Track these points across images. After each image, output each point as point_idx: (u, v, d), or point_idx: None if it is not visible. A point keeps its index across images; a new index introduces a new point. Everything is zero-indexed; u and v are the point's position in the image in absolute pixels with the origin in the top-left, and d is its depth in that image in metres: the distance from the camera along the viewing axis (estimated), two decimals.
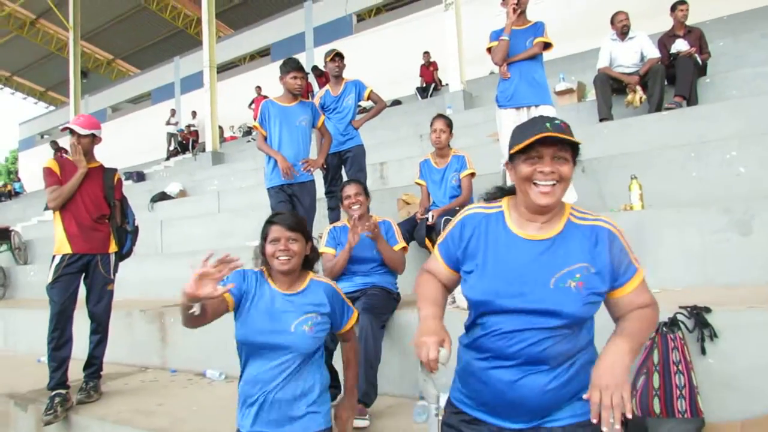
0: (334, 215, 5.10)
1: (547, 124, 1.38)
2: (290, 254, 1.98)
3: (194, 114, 17.53)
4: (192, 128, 17.19)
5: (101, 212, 3.56)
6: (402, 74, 14.03)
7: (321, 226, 5.50)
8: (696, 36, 6.07)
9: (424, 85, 12.95)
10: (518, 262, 1.43)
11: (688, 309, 2.27)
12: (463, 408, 1.50)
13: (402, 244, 3.33)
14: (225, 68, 20.05)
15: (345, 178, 4.93)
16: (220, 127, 14.86)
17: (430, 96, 12.40)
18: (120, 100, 24.86)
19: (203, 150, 13.97)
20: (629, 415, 1.25)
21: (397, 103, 12.67)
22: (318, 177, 4.99)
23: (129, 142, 21.06)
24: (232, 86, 18.70)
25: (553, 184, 1.39)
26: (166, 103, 21.20)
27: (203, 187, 10.26)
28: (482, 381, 1.44)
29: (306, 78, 4.29)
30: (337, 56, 4.88)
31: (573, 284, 1.37)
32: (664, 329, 2.21)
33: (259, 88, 15.54)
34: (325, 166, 4.74)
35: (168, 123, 17.85)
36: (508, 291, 1.41)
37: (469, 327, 1.54)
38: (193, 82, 19.38)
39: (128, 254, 3.82)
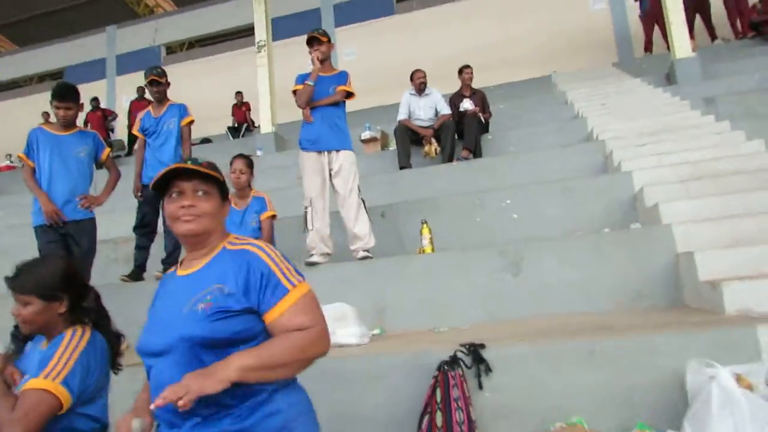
0: (141, 255, 4.43)
1: (189, 162, 1.41)
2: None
3: None
4: None
5: None
6: (214, 112, 13.53)
7: (109, 271, 4.86)
8: (480, 97, 6.88)
9: (236, 124, 12.64)
10: (165, 301, 1.44)
11: (466, 346, 2.42)
12: None
13: None
14: (6, 88, 17.49)
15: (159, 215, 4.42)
16: None
17: (242, 136, 12.12)
18: None
19: None
20: (181, 403, 1.17)
21: (207, 141, 12.16)
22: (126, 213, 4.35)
23: None
24: (12, 109, 16.37)
25: (198, 217, 1.39)
26: None
27: None
28: None
29: (75, 108, 3.77)
30: (154, 82, 4.46)
31: (201, 306, 1.33)
32: (446, 367, 2.31)
33: (47, 114, 13.69)
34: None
35: None
36: (149, 332, 1.39)
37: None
38: None
39: None
